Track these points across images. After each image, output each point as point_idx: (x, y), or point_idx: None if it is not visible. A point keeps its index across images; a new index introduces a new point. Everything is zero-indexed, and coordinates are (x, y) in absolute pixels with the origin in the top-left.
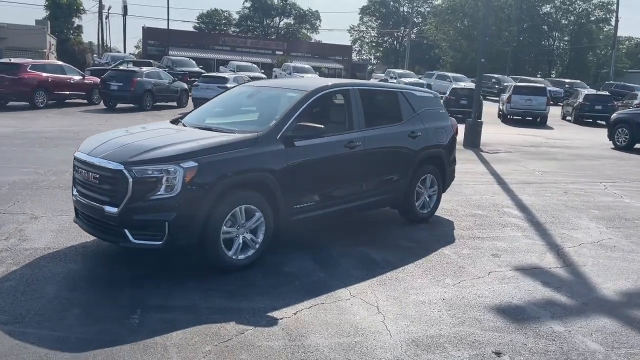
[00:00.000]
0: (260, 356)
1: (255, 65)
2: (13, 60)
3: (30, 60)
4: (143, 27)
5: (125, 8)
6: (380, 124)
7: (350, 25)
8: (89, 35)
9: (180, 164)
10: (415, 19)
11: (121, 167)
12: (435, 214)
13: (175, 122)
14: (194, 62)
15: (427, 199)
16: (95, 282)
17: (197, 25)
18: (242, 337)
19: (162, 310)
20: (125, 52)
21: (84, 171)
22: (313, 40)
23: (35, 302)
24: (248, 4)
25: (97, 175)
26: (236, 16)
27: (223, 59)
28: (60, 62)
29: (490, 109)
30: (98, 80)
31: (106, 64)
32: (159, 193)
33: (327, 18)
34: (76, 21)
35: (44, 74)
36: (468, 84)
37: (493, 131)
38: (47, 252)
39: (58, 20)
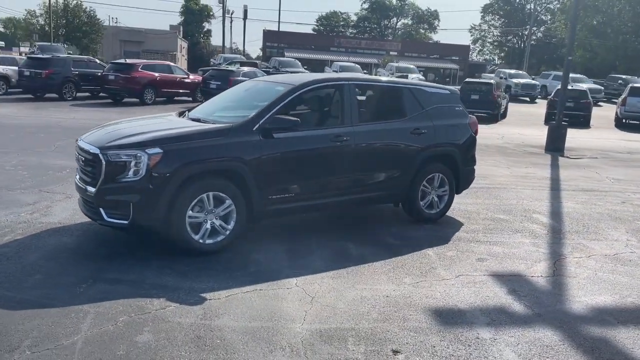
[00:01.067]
0: (162, 330)
1: (357, 66)
2: (128, 60)
3: (142, 60)
4: (263, 30)
5: (245, 12)
6: (378, 119)
7: (471, 25)
8: (217, 38)
9: (146, 150)
10: (542, 17)
11: (97, 151)
12: (450, 215)
13: (181, 114)
14: (299, 62)
15: (436, 199)
16: (74, 255)
17: (316, 27)
18: (160, 312)
19: (111, 282)
20: (244, 53)
21: (78, 155)
22: (431, 41)
23: (11, 267)
24: (366, 5)
25: (84, 159)
26: (354, 18)
27: (337, 60)
28: (168, 63)
29: (608, 113)
30: (201, 79)
31: (218, 64)
32: (128, 176)
33: (447, 17)
34: (206, 25)
35: (154, 73)
36: (590, 85)
37: (596, 136)
38: (55, 227)
39: (190, 25)
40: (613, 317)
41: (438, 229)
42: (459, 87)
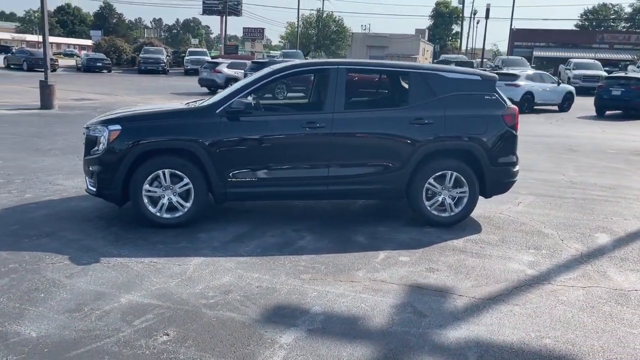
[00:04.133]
0: (23, 279)
1: (597, 62)
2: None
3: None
4: (511, 29)
5: (487, 11)
6: (369, 107)
7: None
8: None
9: (108, 127)
10: None
11: (84, 128)
12: (476, 220)
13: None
14: (526, 61)
15: (449, 201)
16: (69, 217)
17: (579, 22)
18: (48, 266)
19: (60, 239)
20: (483, 53)
21: None
22: None
23: (12, 219)
24: None
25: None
26: (628, 10)
27: (601, 58)
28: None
29: None
30: None
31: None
32: (97, 150)
33: None
34: (455, 28)
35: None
36: None
37: None
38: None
39: (439, 28)
40: None
41: (437, 233)
42: None
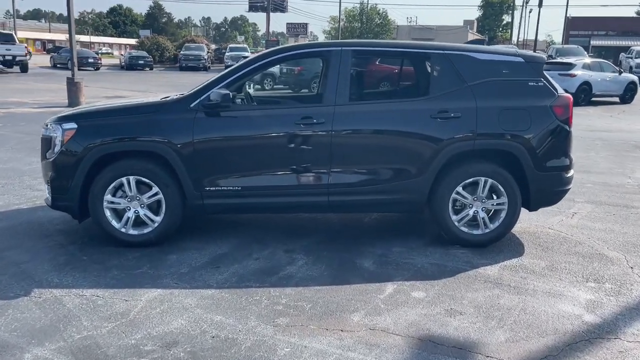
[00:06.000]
0: None
1: None
2: None
3: None
4: (566, 17)
5: (540, 0)
6: (380, 98)
7: None
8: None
9: (62, 125)
10: None
11: (43, 125)
12: (517, 237)
13: None
14: (583, 50)
15: (483, 215)
16: (27, 231)
17: None
18: None
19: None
20: (535, 44)
21: None
22: None
23: None
24: None
25: None
26: None
27: None
28: None
29: None
30: None
31: None
32: (51, 152)
33: None
34: (505, 18)
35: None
36: None
37: None
38: None
39: (489, 18)
40: None
41: (466, 256)
42: None
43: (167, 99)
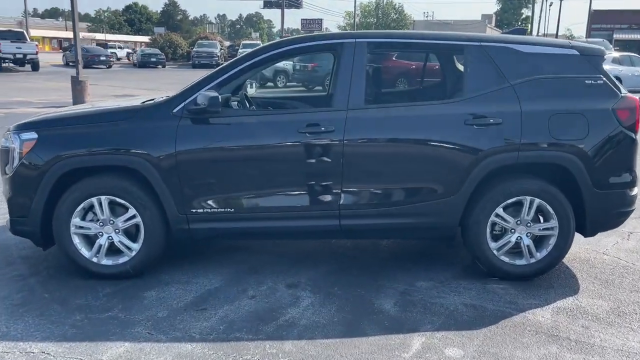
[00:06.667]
0: None
1: None
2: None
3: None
4: (590, 10)
5: None
6: (402, 100)
7: None
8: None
9: (20, 135)
10: None
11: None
12: (568, 267)
13: None
14: (609, 43)
15: (528, 242)
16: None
17: None
18: None
19: None
20: (556, 37)
21: None
22: None
23: None
24: None
25: None
26: None
27: None
28: None
29: None
30: None
31: None
32: (10, 167)
33: None
34: (525, 12)
35: (407, 62)
36: None
37: None
38: None
39: (508, 12)
40: None
41: (509, 294)
42: None
43: (150, 102)
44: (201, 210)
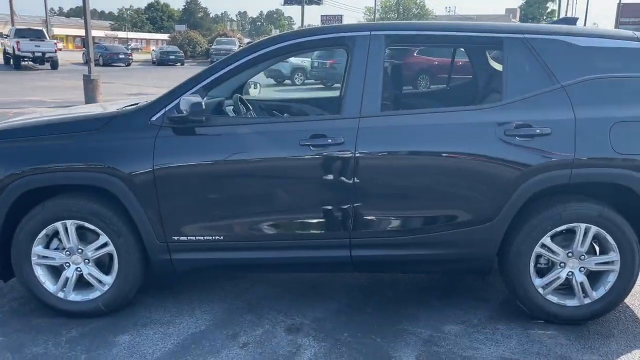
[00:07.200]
0: None
1: None
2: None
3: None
4: (619, 3)
5: None
6: (425, 105)
7: None
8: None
9: None
10: None
11: None
12: (627, 308)
13: None
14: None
15: (580, 278)
16: None
17: None
18: None
19: None
20: None
21: None
22: None
23: None
24: None
25: None
26: None
27: None
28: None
29: None
30: None
31: None
32: None
33: None
34: (550, 6)
35: (430, 59)
36: None
37: None
38: None
39: (532, 6)
40: None
41: (558, 343)
42: None
43: (120, 110)
44: (184, 238)
